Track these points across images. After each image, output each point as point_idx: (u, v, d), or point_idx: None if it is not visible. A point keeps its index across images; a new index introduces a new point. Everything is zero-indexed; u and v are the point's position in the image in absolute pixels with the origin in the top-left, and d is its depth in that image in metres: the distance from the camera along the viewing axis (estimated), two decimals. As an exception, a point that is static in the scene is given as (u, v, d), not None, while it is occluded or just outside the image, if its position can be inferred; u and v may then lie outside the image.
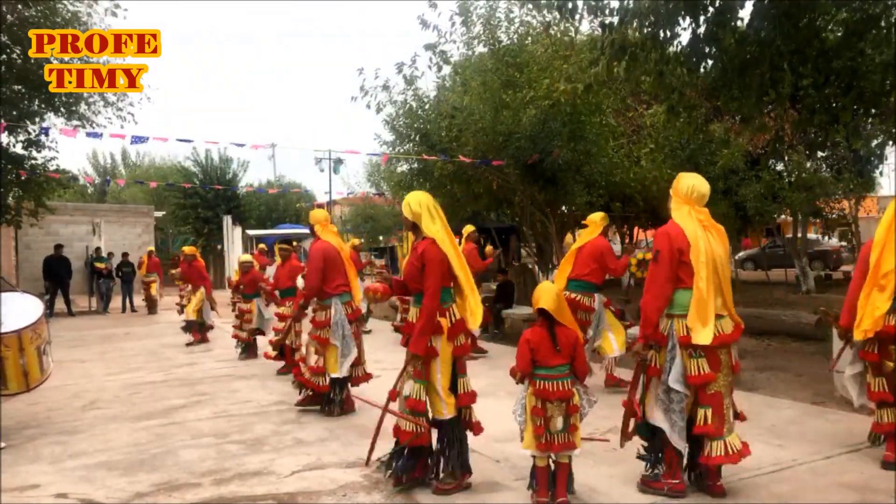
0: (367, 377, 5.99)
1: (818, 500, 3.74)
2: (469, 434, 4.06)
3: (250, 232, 23.79)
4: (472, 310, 3.96)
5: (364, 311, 7.93)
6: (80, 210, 23.21)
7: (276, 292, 8.35)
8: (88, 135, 11.64)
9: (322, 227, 6.11)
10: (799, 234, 17.36)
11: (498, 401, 5.55)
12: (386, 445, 4.19)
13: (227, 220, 20.52)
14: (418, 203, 3.98)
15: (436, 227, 3.92)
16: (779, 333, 9.50)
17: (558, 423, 3.62)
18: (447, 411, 3.90)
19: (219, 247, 26.90)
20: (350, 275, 6.02)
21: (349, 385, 5.93)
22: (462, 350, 3.98)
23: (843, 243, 18.71)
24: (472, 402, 4.03)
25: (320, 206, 36.34)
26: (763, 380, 7.00)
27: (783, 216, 18.59)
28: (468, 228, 9.48)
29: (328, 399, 5.88)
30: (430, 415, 3.99)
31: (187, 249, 11.52)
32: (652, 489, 3.83)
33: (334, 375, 5.77)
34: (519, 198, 12.31)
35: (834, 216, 16.86)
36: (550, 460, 3.72)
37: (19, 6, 11.60)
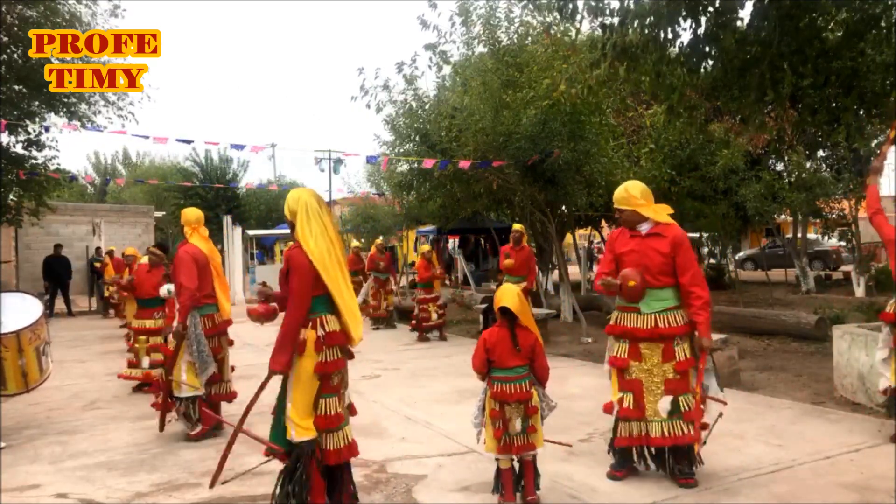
0: (233, 395, 5.62)
1: (818, 500, 3.73)
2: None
3: (250, 232, 23.79)
4: (349, 324, 3.48)
5: None
6: (80, 210, 23.21)
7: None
8: (90, 128, 11.70)
9: (192, 230, 5.52)
10: (799, 234, 17.37)
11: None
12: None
13: (227, 220, 20.50)
14: (296, 201, 3.46)
15: (311, 229, 3.40)
16: (779, 333, 9.51)
17: (517, 425, 3.61)
18: (295, 433, 3.36)
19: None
20: (218, 284, 5.49)
21: (207, 401, 5.42)
22: (330, 367, 3.40)
23: (843, 243, 18.70)
24: (329, 427, 3.43)
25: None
26: (763, 380, 7.00)
27: (783, 216, 18.60)
28: (518, 227, 9.59)
29: (185, 417, 5.32)
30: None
31: (127, 251, 10.45)
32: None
33: (194, 394, 5.26)
34: (519, 198, 12.29)
35: (834, 216, 16.86)
36: (514, 462, 3.72)
37: (19, 6, 11.60)
